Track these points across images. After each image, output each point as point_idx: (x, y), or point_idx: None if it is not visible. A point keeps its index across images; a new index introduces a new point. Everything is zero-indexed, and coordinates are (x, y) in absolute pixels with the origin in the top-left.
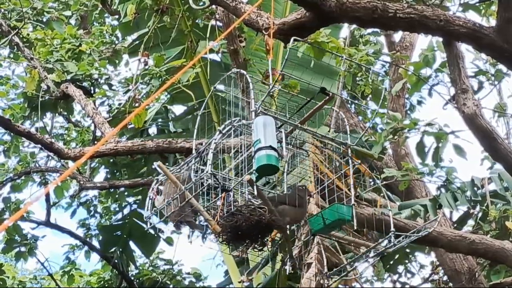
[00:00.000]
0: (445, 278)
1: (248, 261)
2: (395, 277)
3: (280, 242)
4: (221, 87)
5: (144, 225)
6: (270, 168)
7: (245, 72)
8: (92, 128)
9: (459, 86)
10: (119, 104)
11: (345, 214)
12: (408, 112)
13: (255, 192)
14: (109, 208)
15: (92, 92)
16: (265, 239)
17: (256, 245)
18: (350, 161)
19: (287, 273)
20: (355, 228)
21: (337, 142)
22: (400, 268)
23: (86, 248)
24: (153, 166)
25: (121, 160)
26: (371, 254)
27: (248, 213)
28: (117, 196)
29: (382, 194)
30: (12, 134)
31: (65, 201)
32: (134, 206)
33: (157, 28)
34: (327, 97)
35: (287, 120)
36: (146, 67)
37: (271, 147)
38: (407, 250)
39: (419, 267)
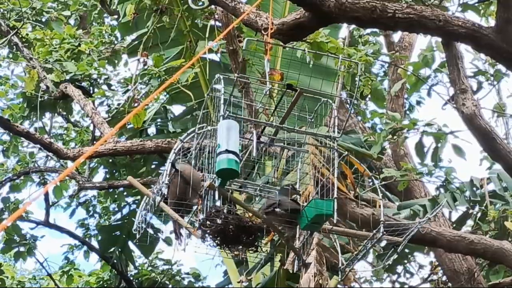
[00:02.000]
0: (444, 278)
1: (247, 261)
2: (394, 277)
3: (278, 243)
4: (219, 86)
5: (143, 225)
6: (231, 172)
7: (221, 76)
8: (91, 128)
9: (458, 86)
10: (118, 104)
11: (323, 208)
12: (407, 112)
13: (216, 197)
14: (108, 208)
15: (91, 92)
16: (259, 241)
17: (251, 248)
18: (336, 153)
19: (293, 272)
20: (335, 222)
21: (321, 135)
22: (399, 268)
23: (85, 248)
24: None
25: (120, 160)
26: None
27: (225, 217)
28: (116, 196)
29: (381, 194)
30: (11, 134)
31: (64, 201)
32: (133, 206)
33: (156, 28)
34: (297, 93)
35: (264, 121)
36: (145, 67)
37: (227, 151)
38: (406, 250)
39: (418, 267)
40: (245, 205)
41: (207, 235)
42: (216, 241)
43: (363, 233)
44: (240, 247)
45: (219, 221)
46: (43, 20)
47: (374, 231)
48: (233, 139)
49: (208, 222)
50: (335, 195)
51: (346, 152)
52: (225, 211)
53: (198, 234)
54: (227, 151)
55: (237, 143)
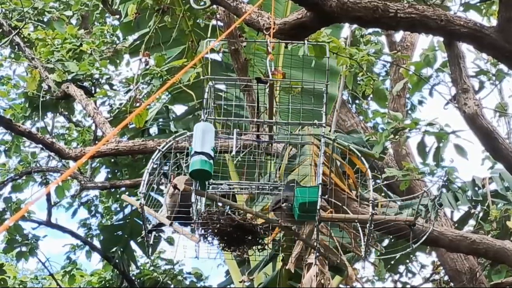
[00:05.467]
0: (446, 278)
1: (249, 261)
2: (396, 277)
3: (281, 241)
4: (222, 86)
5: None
6: (204, 173)
7: (210, 84)
8: (93, 128)
9: (460, 86)
10: (120, 104)
11: (306, 196)
12: (409, 112)
13: (204, 201)
14: (110, 208)
15: (93, 92)
16: (261, 239)
17: (256, 246)
18: (323, 139)
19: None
20: (320, 208)
21: (306, 124)
22: (401, 268)
23: (87, 248)
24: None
25: (122, 160)
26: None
27: (217, 218)
28: (118, 196)
29: (383, 194)
30: (13, 134)
31: (66, 201)
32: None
33: (158, 28)
34: (269, 86)
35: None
36: (147, 67)
37: (197, 153)
38: (408, 250)
39: (420, 267)
40: (233, 203)
41: (209, 238)
42: (221, 243)
43: (353, 215)
44: (244, 246)
45: (212, 223)
46: (45, 20)
47: (371, 212)
48: (208, 141)
49: (204, 226)
50: (320, 181)
51: (333, 137)
52: (216, 212)
53: (196, 239)
54: (197, 153)
55: (211, 145)
